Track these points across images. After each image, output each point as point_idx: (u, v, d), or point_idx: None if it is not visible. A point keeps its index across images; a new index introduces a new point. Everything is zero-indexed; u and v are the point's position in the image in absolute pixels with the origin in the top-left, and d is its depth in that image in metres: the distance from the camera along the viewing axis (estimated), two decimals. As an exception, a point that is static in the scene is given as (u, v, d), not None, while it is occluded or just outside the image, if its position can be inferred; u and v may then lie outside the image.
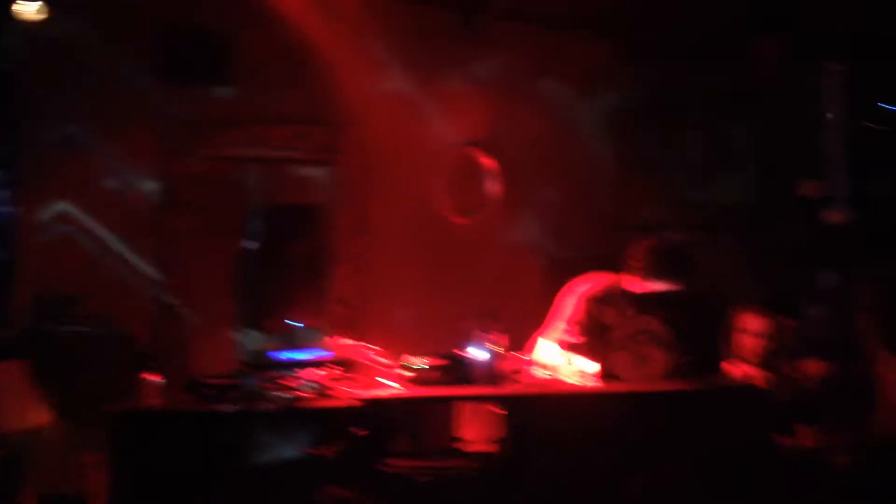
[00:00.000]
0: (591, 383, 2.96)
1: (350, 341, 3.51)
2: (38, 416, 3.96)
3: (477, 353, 3.14)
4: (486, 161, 5.29)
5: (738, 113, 5.76)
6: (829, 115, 2.45)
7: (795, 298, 4.89)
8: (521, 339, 3.80)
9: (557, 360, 3.15)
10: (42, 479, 3.42)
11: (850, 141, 2.46)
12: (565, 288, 3.77)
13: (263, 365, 3.49)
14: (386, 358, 3.51)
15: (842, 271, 2.62)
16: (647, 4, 4.95)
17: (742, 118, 5.79)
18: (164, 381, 3.56)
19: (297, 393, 3.29)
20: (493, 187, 5.26)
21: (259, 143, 4.89)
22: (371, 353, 3.40)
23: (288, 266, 4.41)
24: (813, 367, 4.01)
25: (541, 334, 3.56)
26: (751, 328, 3.67)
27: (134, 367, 3.97)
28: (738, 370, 3.27)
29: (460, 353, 3.25)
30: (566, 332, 3.27)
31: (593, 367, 3.00)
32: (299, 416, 3.27)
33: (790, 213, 2.65)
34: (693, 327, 2.84)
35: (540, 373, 3.15)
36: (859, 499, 2.91)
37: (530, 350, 3.39)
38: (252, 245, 4.61)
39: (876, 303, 3.93)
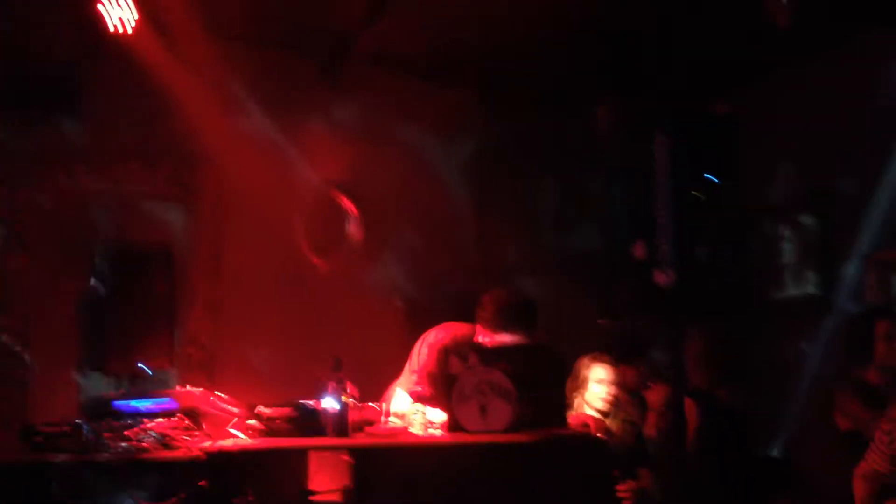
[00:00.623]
0: (438, 433, 3.01)
1: (198, 389, 3.43)
2: None
3: (328, 403, 3.13)
4: (346, 203, 5.32)
5: (592, 163, 6.05)
6: (658, 182, 2.62)
7: (638, 349, 5.17)
8: (379, 385, 3.84)
9: (409, 410, 3.18)
10: None
11: (676, 207, 2.64)
12: (421, 337, 3.83)
13: (104, 413, 3.36)
14: (236, 406, 3.45)
15: (671, 327, 2.79)
16: (502, 53, 5.14)
17: (595, 169, 6.08)
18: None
19: (138, 443, 3.18)
20: (353, 230, 5.29)
21: (108, 179, 4.74)
22: (220, 401, 3.33)
23: (137, 307, 4.26)
24: (653, 420, 4.23)
25: (396, 383, 3.60)
26: (595, 376, 3.83)
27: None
28: (576, 420, 3.41)
29: (311, 402, 3.23)
30: (417, 382, 3.32)
31: (441, 416, 3.06)
32: (138, 468, 3.15)
33: (628, 269, 2.80)
34: (535, 378, 2.95)
35: (393, 422, 3.18)
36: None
37: (387, 399, 3.42)
38: (99, 285, 4.43)
39: (699, 353, 4.20)
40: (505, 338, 3.39)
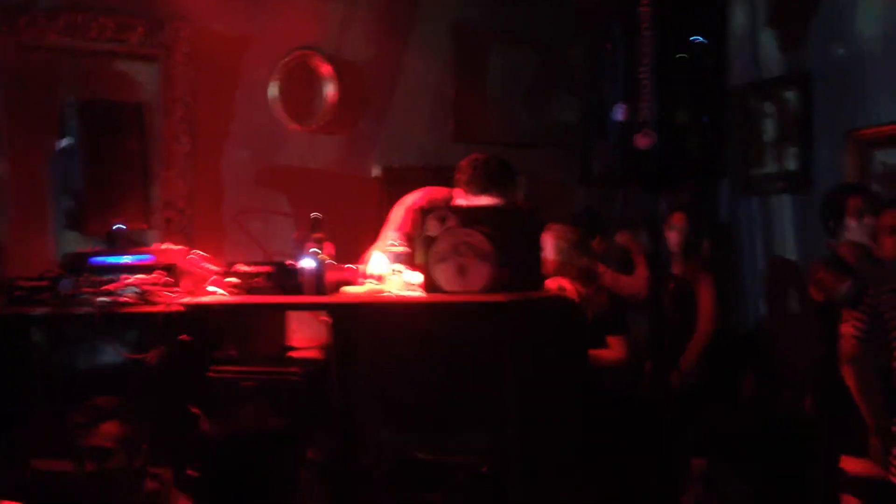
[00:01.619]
0: (415, 293, 3.06)
1: (176, 246, 3.43)
2: None
3: (306, 262, 3.16)
4: (323, 66, 5.20)
5: (575, 35, 5.94)
6: (643, 45, 2.58)
7: (607, 217, 5.23)
8: (355, 249, 3.87)
9: (386, 271, 3.22)
10: None
11: (660, 69, 2.61)
12: (399, 201, 3.83)
13: (82, 268, 3.38)
14: (213, 264, 3.48)
15: (651, 193, 2.81)
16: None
17: (578, 40, 5.98)
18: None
19: (117, 297, 3.22)
20: (330, 93, 5.20)
21: (78, 34, 4.58)
22: (198, 259, 3.35)
23: (111, 166, 4.21)
24: (626, 280, 4.33)
25: (373, 246, 3.62)
26: (564, 242, 3.89)
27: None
28: (553, 283, 3.47)
29: (289, 261, 3.26)
30: (394, 243, 3.34)
31: (417, 277, 3.10)
32: (118, 321, 3.20)
33: (606, 135, 2.80)
34: (513, 241, 2.97)
35: (370, 284, 3.22)
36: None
37: (365, 261, 3.45)
38: (71, 143, 4.36)
39: (682, 225, 4.26)
40: (483, 200, 3.41)
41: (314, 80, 5.18)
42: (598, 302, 3.93)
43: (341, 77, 5.24)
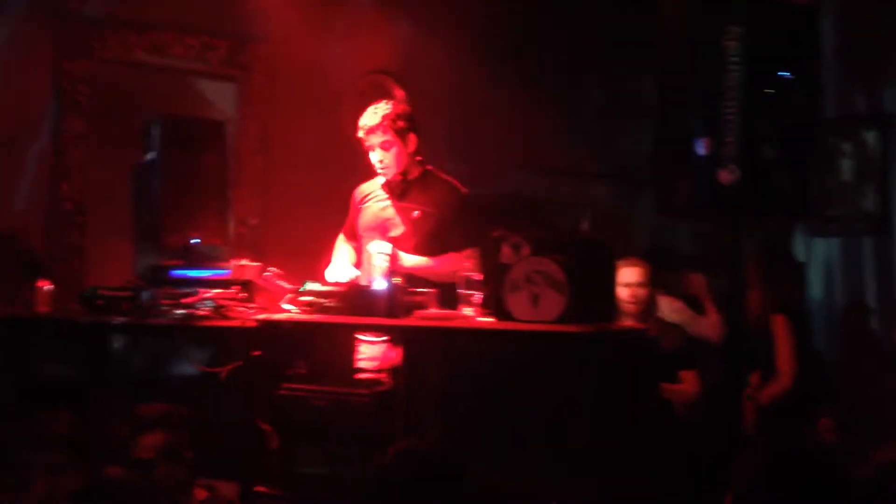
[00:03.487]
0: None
1: (251, 263, 3.49)
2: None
3: (378, 284, 3.18)
4: (397, 90, 5.27)
5: (646, 65, 5.92)
6: (729, 78, 2.56)
7: (680, 252, 5.17)
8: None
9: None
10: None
11: (745, 104, 2.58)
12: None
13: (160, 280, 3.46)
14: (286, 281, 3.52)
15: (730, 230, 2.77)
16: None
17: (649, 71, 5.96)
18: (54, 288, 3.50)
19: (194, 311, 3.28)
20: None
21: (162, 51, 4.72)
22: (274, 276, 3.40)
23: (191, 182, 4.31)
24: (701, 322, 4.26)
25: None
26: (629, 279, 3.88)
27: (24, 272, 3.86)
28: (627, 319, 3.45)
29: (361, 281, 3.29)
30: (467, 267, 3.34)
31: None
32: (194, 334, 3.26)
33: (683, 168, 2.77)
34: (587, 271, 2.96)
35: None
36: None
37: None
38: (151, 157, 4.47)
39: (762, 264, 4.19)
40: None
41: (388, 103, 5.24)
42: (670, 336, 3.90)
43: (413, 101, 5.29)
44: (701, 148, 2.66)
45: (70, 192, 4.51)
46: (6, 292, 3.84)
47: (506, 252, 3.08)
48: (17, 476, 2.71)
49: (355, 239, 3.74)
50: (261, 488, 3.16)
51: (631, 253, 4.20)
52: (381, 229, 3.63)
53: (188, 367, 3.29)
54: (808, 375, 4.14)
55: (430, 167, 3.73)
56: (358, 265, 3.64)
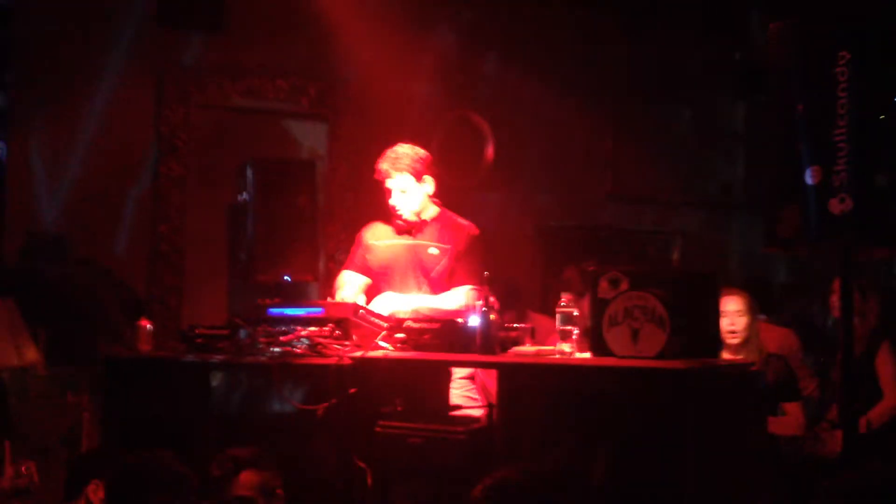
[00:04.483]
0: (585, 356, 3.01)
1: (348, 301, 3.52)
2: (28, 354, 3.96)
3: (475, 320, 3.16)
4: (481, 123, 5.30)
5: (738, 92, 5.81)
6: (841, 104, 2.47)
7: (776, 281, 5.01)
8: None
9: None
10: (30, 417, 3.42)
11: (858, 131, 2.49)
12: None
13: (256, 319, 3.50)
14: (379, 318, 3.53)
15: (841, 259, 2.66)
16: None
17: (741, 97, 5.85)
18: (153, 327, 3.58)
19: (291, 349, 3.31)
20: (487, 150, 5.28)
21: (255, 95, 4.85)
22: (368, 314, 3.41)
23: (283, 221, 4.40)
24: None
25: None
26: (730, 308, 3.76)
27: (125, 311, 3.98)
28: (728, 350, 3.34)
29: (455, 317, 3.27)
30: (563, 302, 3.29)
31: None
32: (291, 372, 3.29)
33: (786, 197, 2.68)
34: (689, 305, 2.87)
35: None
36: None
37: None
38: (245, 197, 4.59)
39: (862, 292, 4.03)
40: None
41: (473, 139, 5.27)
42: (773, 367, 3.77)
43: (499, 135, 5.31)
44: (811, 177, 2.56)
45: (168, 233, 4.65)
46: (109, 332, 3.96)
47: (603, 286, 3.02)
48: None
49: (367, 274, 3.81)
50: (357, 526, 3.15)
51: (726, 282, 4.09)
52: (397, 266, 3.70)
53: (285, 406, 3.31)
54: None
55: (445, 209, 3.80)
56: (369, 299, 3.73)
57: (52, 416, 3.87)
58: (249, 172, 4.37)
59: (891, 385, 4.00)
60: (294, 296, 4.21)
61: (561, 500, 2.36)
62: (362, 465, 3.15)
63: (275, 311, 3.46)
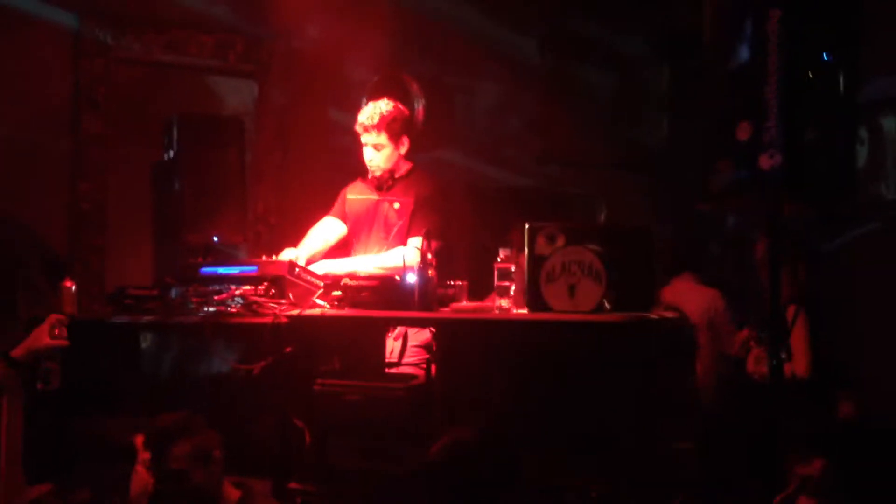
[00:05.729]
0: (522, 311, 3.05)
1: (283, 260, 3.47)
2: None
3: (411, 277, 3.16)
4: (412, 85, 5.24)
5: (661, 54, 5.90)
6: (772, 60, 2.53)
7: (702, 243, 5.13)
8: (450, 266, 3.86)
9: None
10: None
11: (786, 88, 2.55)
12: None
13: (188, 278, 3.43)
14: (315, 277, 3.50)
15: (773, 214, 2.74)
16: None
17: (664, 60, 5.94)
18: (76, 288, 3.46)
19: (225, 308, 3.25)
20: (418, 112, 5.23)
21: (181, 52, 4.70)
22: (304, 272, 3.37)
23: (210, 180, 4.28)
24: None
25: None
26: None
27: (47, 272, 3.84)
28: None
29: (393, 274, 3.26)
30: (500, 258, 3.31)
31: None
32: (225, 331, 3.24)
33: (717, 154, 2.74)
34: (626, 260, 2.93)
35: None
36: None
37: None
38: (170, 155, 4.45)
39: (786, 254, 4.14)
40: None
41: (403, 99, 5.22)
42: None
43: (429, 96, 5.27)
44: (741, 133, 2.63)
45: (90, 192, 4.49)
46: (31, 294, 3.81)
47: (541, 242, 3.05)
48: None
49: (344, 219, 3.88)
50: (295, 485, 3.14)
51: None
52: (365, 220, 3.77)
53: (221, 366, 3.26)
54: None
55: (418, 167, 3.83)
56: (346, 245, 3.83)
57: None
58: (175, 129, 4.23)
59: (798, 354, 4.07)
60: (222, 257, 4.12)
61: (516, 458, 2.39)
62: (300, 423, 3.14)
63: (207, 270, 3.39)
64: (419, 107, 5.35)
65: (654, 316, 2.97)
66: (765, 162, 2.61)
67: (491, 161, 5.39)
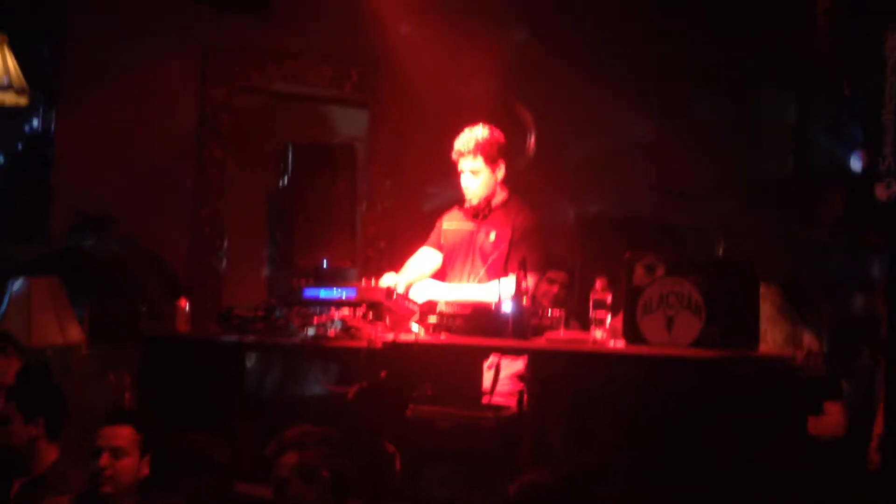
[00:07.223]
0: (618, 343, 2.96)
1: (382, 285, 3.51)
2: (71, 333, 4.04)
3: (507, 306, 3.13)
4: (523, 113, 5.25)
5: (784, 82, 5.67)
6: (891, 82, 2.38)
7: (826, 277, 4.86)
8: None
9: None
10: (73, 396, 3.47)
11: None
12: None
13: (292, 301, 3.52)
14: (412, 303, 3.52)
15: (890, 244, 2.56)
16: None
17: (788, 87, 5.70)
18: (193, 308, 3.61)
19: (324, 331, 3.32)
20: (529, 140, 5.23)
21: (298, 79, 4.87)
22: (402, 298, 3.40)
23: (323, 206, 4.42)
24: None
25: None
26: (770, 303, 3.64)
27: (166, 291, 4.03)
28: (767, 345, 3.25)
29: (489, 303, 3.24)
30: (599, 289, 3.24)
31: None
32: (323, 354, 3.30)
33: (831, 182, 2.59)
34: (728, 294, 2.80)
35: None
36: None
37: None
38: (285, 181, 4.62)
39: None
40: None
41: (516, 130, 5.22)
42: (812, 366, 3.66)
43: (539, 124, 5.26)
44: (857, 162, 2.48)
45: (209, 217, 4.69)
46: (150, 312, 4.01)
47: (639, 273, 2.97)
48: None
49: (439, 249, 3.84)
50: (388, 508, 3.15)
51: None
52: (460, 250, 3.71)
53: (317, 388, 3.32)
54: None
55: (514, 195, 3.76)
56: (440, 275, 3.77)
57: (94, 396, 3.93)
58: (290, 156, 4.39)
59: None
60: (333, 280, 4.22)
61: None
62: (392, 448, 3.15)
63: (310, 292, 3.47)
64: (532, 138, 5.35)
65: (758, 354, 2.82)
66: (881, 192, 2.46)
67: (602, 190, 5.31)
